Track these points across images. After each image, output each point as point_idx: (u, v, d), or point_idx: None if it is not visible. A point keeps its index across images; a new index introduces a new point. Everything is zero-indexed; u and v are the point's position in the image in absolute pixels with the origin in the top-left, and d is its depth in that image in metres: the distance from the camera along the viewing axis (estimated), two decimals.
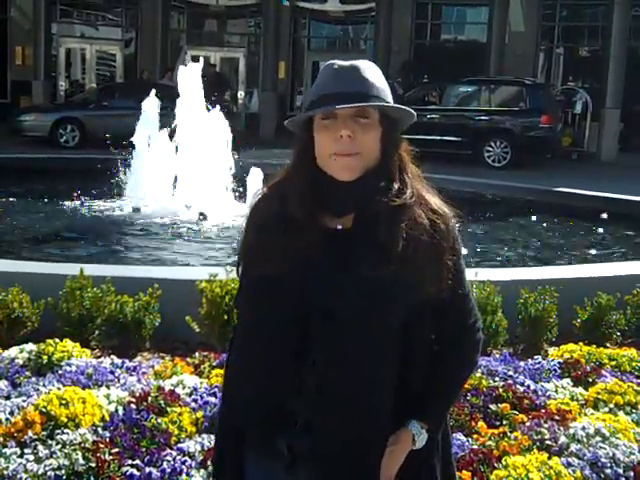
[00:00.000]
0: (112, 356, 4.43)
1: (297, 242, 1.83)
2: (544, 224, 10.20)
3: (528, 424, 3.66)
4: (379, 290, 1.81)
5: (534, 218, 10.47)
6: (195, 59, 12.11)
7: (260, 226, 1.91)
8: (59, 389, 3.76)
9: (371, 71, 1.87)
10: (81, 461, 3.15)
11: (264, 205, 1.95)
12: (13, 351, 4.37)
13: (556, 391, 4.15)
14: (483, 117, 17.58)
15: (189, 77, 10.14)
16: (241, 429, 1.94)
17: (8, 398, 3.79)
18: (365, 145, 1.82)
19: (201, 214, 9.28)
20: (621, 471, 3.31)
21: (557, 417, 3.72)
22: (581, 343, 4.89)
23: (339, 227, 1.87)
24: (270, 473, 1.91)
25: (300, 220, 1.84)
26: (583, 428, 3.58)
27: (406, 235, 1.82)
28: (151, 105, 10.36)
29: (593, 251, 8.59)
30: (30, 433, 3.35)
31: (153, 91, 10.48)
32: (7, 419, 3.52)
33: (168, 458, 3.20)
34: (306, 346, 1.83)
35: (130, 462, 3.18)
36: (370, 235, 1.83)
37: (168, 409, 3.62)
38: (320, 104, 1.83)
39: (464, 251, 1.99)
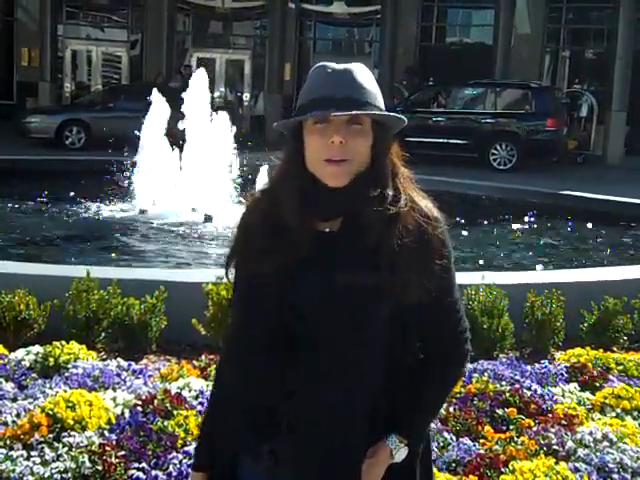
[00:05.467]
0: (118, 359, 4.44)
1: (285, 244, 1.82)
2: (551, 227, 10.17)
3: (535, 429, 3.64)
4: (361, 296, 1.78)
5: (537, 220, 10.45)
6: (201, 61, 12.15)
7: (250, 228, 1.91)
8: (65, 391, 3.76)
9: (364, 75, 1.84)
10: (87, 464, 3.16)
11: (255, 207, 1.94)
12: (20, 353, 4.38)
13: (563, 395, 4.14)
14: (489, 120, 17.57)
15: (197, 82, 10.19)
16: (227, 429, 1.92)
17: (15, 400, 3.79)
18: (356, 151, 1.80)
19: (207, 216, 9.28)
20: (629, 477, 3.30)
21: (564, 422, 3.71)
22: (588, 347, 4.87)
23: (326, 230, 1.86)
24: (254, 471, 1.90)
25: (290, 224, 1.83)
26: (590, 433, 3.57)
27: (396, 243, 1.79)
28: (158, 108, 10.38)
29: (600, 254, 8.57)
30: (36, 436, 3.35)
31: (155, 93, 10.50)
32: (13, 421, 3.52)
33: (174, 461, 3.21)
34: (290, 350, 1.82)
35: (136, 465, 3.18)
36: (359, 241, 1.81)
37: (174, 412, 3.62)
38: (314, 107, 1.79)
39: (455, 254, 1.91)
